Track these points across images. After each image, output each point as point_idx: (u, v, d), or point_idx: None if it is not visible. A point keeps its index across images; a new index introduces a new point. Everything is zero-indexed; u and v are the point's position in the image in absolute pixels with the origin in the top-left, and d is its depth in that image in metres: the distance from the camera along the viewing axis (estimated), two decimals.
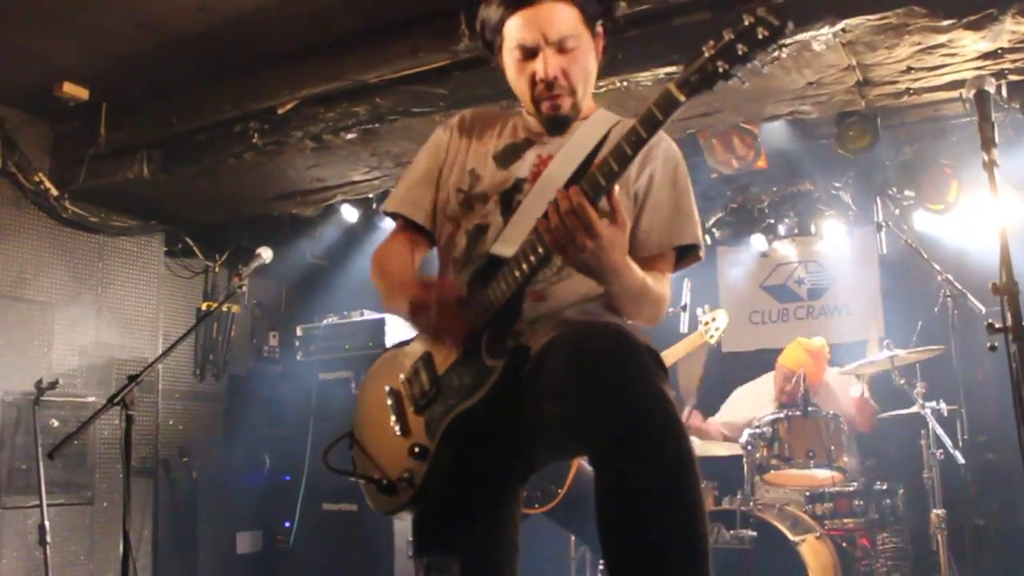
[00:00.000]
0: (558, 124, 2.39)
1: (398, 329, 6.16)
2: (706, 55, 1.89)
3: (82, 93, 5.48)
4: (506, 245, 2.22)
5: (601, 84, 4.43)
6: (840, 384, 5.84)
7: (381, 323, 6.19)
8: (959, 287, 4.96)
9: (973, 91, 2.87)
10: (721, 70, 1.87)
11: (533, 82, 2.32)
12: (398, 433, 2.29)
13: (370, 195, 6.16)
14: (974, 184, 5.94)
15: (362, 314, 6.31)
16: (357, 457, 2.44)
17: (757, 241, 6.93)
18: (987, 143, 2.73)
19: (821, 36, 4.10)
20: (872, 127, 5.31)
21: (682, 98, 1.90)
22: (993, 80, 2.88)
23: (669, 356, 5.29)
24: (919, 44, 4.24)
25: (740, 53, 1.86)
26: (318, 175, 5.68)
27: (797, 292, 7.16)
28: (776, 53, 4.14)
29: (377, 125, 5.01)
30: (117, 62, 5.16)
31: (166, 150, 5.66)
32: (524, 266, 2.10)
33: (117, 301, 6.45)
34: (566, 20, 2.28)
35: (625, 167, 1.96)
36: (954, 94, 5.18)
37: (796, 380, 5.24)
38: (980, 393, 5.67)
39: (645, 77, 4.38)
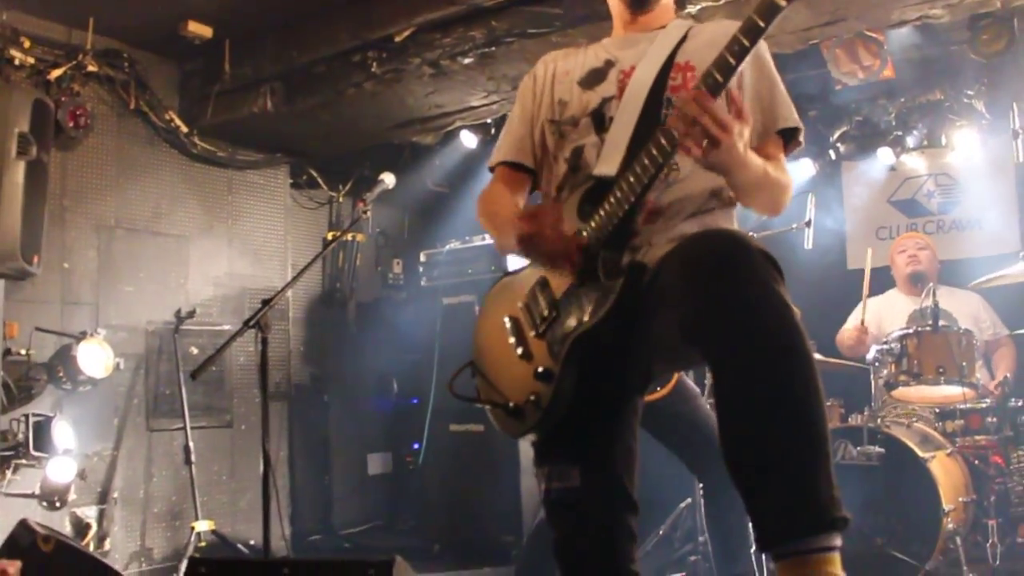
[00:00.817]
0: (644, 5, 2.48)
1: None
2: None
3: (206, 31, 5.63)
4: (607, 164, 2.27)
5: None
6: (962, 304, 5.62)
7: None
8: None
9: None
10: None
11: None
12: (521, 358, 2.33)
13: (488, 120, 6.17)
14: None
15: (484, 239, 6.37)
16: (481, 385, 2.49)
17: (884, 155, 6.69)
18: None
19: None
20: (1008, 28, 5.03)
21: (783, 3, 1.86)
22: None
23: None
24: None
25: None
26: (436, 102, 5.72)
27: (927, 206, 6.92)
28: None
29: (494, 49, 4.99)
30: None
31: (288, 83, 5.79)
32: (633, 180, 2.12)
33: (247, 232, 6.68)
34: None
35: (730, 77, 1.96)
36: None
37: (928, 292, 5.06)
38: None
39: None
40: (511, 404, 2.33)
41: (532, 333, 2.32)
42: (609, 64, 2.46)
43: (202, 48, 5.82)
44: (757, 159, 2.14)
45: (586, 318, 2.16)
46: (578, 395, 2.22)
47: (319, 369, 7.11)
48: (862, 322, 5.59)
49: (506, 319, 2.42)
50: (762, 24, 1.89)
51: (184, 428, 5.49)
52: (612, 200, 2.16)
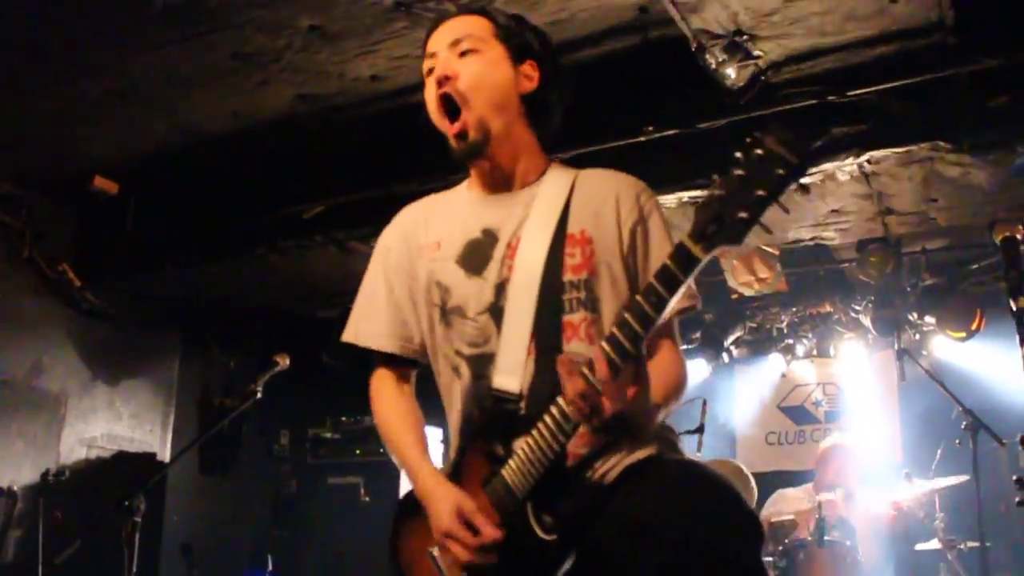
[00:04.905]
0: (468, 154, 2.10)
1: None
2: (718, 197, 1.61)
3: (112, 187, 5.55)
4: (508, 375, 2.01)
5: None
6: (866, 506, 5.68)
7: None
8: (980, 420, 4.89)
9: (1000, 237, 2.85)
10: (741, 217, 1.58)
11: (432, 95, 2.10)
12: None
13: None
14: (997, 312, 5.92)
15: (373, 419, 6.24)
16: None
17: (775, 361, 6.89)
18: (1014, 291, 2.70)
19: (845, 167, 4.13)
20: (894, 254, 5.31)
21: (701, 256, 1.64)
22: (1021, 227, 2.86)
23: None
24: (941, 176, 4.27)
25: (758, 196, 1.57)
26: (340, 279, 5.69)
27: (814, 414, 7.08)
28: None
29: None
30: (149, 159, 5.25)
31: (190, 247, 5.70)
32: (561, 437, 1.83)
33: (130, 393, 6.42)
34: (468, 24, 2.14)
35: (650, 328, 1.70)
36: (978, 222, 5.21)
37: (819, 505, 5.10)
38: (1001, 527, 5.54)
39: (669, 200, 4.40)
40: None
41: None
42: (489, 236, 2.13)
43: (106, 203, 5.72)
44: (654, 394, 1.89)
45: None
46: None
47: (191, 540, 6.73)
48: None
49: (433, 554, 2.08)
50: (681, 276, 1.67)
51: None
52: (534, 448, 1.87)
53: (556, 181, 2.17)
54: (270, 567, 6.92)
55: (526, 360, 2.01)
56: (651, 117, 4.17)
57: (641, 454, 2.00)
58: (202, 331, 6.91)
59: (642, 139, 4.18)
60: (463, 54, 2.09)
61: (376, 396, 2.31)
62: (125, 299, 6.30)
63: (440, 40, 2.13)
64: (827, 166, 4.15)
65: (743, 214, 1.57)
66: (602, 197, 2.14)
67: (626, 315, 1.72)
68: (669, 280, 1.67)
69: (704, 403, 5.40)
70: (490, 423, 2.03)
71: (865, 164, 4.12)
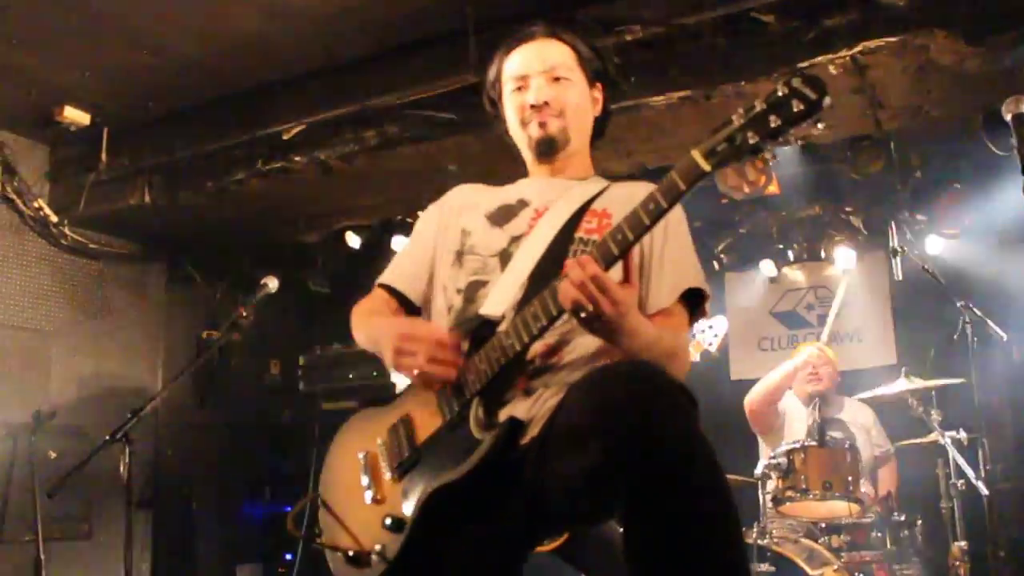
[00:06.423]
0: (547, 146, 2.33)
1: None
2: (735, 124, 1.74)
3: (83, 118, 5.41)
4: (495, 304, 2.13)
5: (613, 107, 4.36)
6: (857, 415, 5.71)
7: None
8: (979, 313, 4.87)
9: (1011, 115, 2.78)
10: (752, 142, 1.72)
11: (523, 109, 2.32)
12: (370, 501, 2.13)
13: (375, 221, 6.07)
14: (987, 207, 5.87)
15: None
16: (325, 521, 2.25)
17: (766, 267, 6.83)
18: None
19: (837, 59, 4.04)
20: (885, 151, 5.24)
21: (708, 168, 1.76)
22: None
23: None
24: (936, 64, 4.17)
25: (773, 127, 1.70)
26: (323, 201, 5.60)
27: (807, 318, 7.05)
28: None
29: (384, 151, 4.93)
30: (119, 86, 5.11)
31: (168, 176, 5.58)
32: (518, 330, 1.97)
33: (117, 329, 6.34)
34: (557, 53, 2.35)
35: (641, 236, 1.84)
36: (972, 114, 5.12)
37: (814, 406, 5.12)
38: (996, 420, 5.57)
39: (658, 101, 4.29)
40: (351, 552, 2.10)
41: (387, 475, 2.12)
42: (522, 203, 2.33)
43: (78, 135, 5.58)
44: (648, 327, 1.99)
45: (448, 469, 1.96)
46: (445, 556, 2.00)
47: (188, 474, 6.74)
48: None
49: (360, 455, 2.20)
50: (682, 186, 1.79)
51: (36, 540, 5.06)
52: (497, 348, 2.00)
53: (593, 182, 2.38)
54: (268, 497, 6.95)
55: (517, 291, 2.13)
56: (634, 16, 4.05)
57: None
58: (185, 262, 6.81)
59: (628, 38, 4.06)
60: (556, 79, 2.31)
61: (365, 300, 2.44)
62: (105, 233, 6.18)
63: (531, 66, 2.33)
64: (819, 59, 4.06)
65: (755, 139, 1.72)
66: (631, 192, 2.22)
67: (622, 223, 1.85)
68: (670, 189, 1.81)
69: None
70: (466, 333, 2.10)
71: (858, 56, 4.03)
